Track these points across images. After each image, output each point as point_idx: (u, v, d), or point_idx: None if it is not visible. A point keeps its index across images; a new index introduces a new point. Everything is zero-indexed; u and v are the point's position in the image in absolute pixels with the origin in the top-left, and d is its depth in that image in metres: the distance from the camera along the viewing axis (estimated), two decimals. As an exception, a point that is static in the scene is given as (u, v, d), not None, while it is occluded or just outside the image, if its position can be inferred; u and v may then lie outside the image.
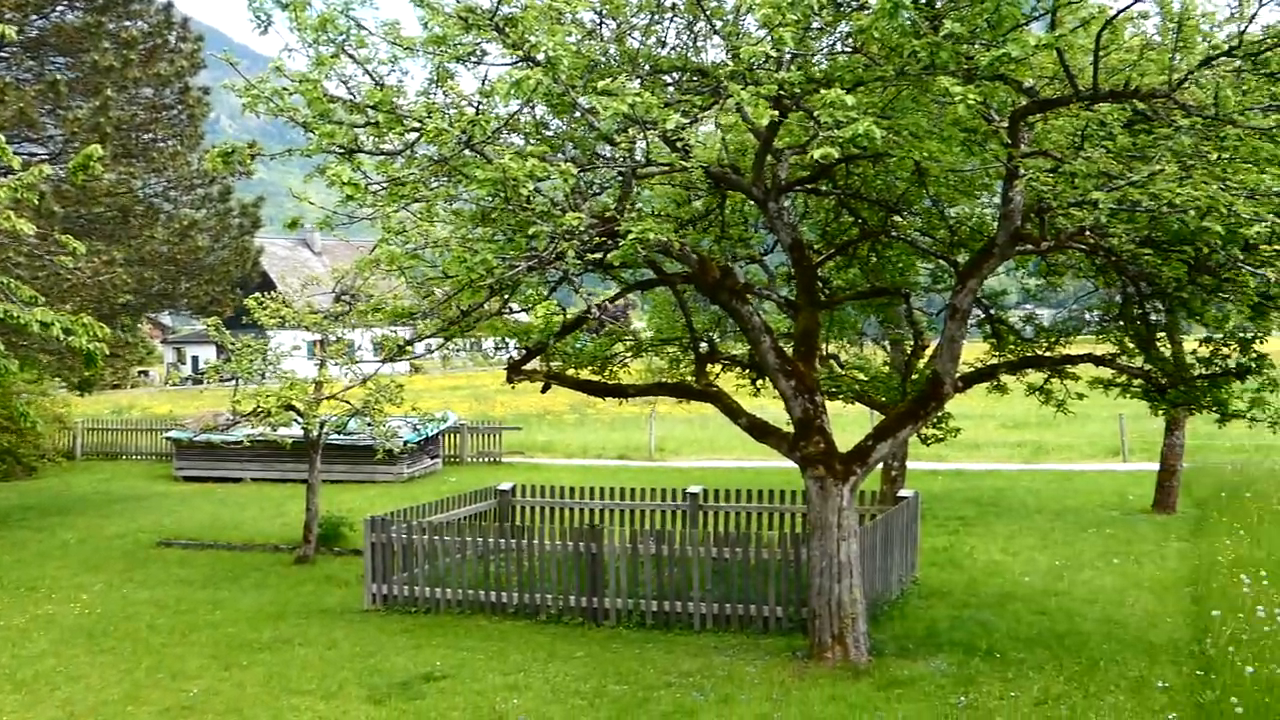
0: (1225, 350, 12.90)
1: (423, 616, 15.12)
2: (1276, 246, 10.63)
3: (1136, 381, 13.70)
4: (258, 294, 19.87)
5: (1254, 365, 12.40)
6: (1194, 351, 13.81)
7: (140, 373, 62.81)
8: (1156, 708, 11.07)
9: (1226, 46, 10.02)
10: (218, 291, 26.92)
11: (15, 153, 14.78)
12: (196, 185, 25.86)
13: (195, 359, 71.24)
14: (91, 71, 23.65)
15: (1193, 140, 10.52)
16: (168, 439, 31.84)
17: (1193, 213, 9.91)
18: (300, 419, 18.78)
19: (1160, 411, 15.79)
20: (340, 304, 17.90)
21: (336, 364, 19.32)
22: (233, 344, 19.40)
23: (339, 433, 20.48)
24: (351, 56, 10.47)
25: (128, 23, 24.38)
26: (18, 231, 14.86)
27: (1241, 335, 12.60)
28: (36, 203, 15.57)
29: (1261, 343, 12.77)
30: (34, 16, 23.80)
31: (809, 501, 12.97)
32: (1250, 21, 9.92)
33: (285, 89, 10.36)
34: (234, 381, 20.10)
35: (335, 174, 9.91)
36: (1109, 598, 15.71)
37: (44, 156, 22.74)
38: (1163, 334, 15.02)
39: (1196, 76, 10.21)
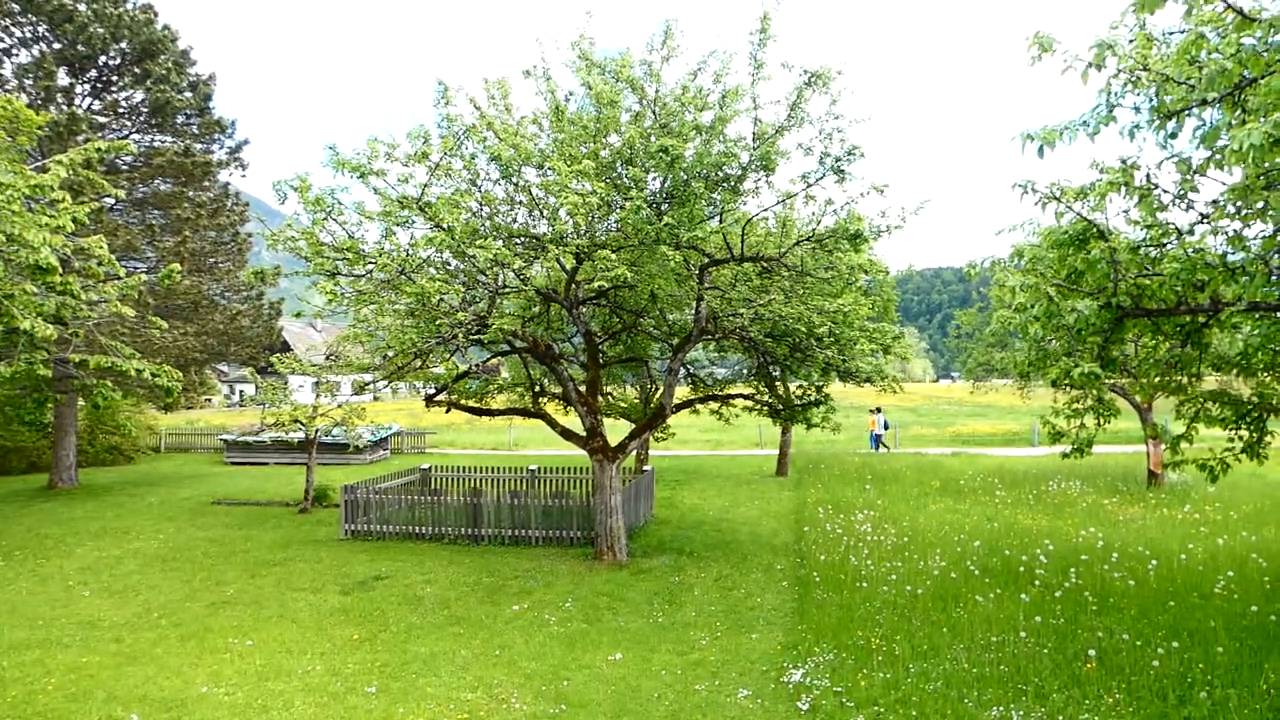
0: (809, 392, 13.61)
1: (375, 543, 14.41)
2: (831, 339, 11.35)
3: (765, 408, 14.28)
4: (279, 354, 18.87)
5: (823, 400, 13.08)
6: (793, 392, 14.53)
7: (205, 400, 58.00)
8: (778, 579, 11.48)
9: (805, 235, 10.69)
10: (255, 352, 25.32)
11: (123, 267, 13.67)
12: (242, 289, 24.37)
13: (241, 392, 66.35)
14: (176, 220, 22.12)
15: (791, 283, 11.16)
16: (221, 440, 29.56)
17: (791, 321, 10.51)
18: (303, 427, 17.94)
19: (778, 423, 16.48)
20: (329, 361, 17.20)
21: (325, 396, 18.51)
22: (262, 384, 18.41)
23: (328, 436, 19.48)
24: (334, 219, 10.15)
25: (202, 192, 22.93)
26: (122, 314, 13.80)
27: (816, 384, 13.29)
28: (136, 297, 14.51)
29: (825, 388, 13.47)
30: (140, 184, 22.16)
31: (594, 473, 13.03)
32: (819, 223, 10.62)
33: (293, 237, 9.97)
34: (263, 405, 18.90)
35: (323, 287, 9.58)
36: (753, 522, 16.13)
37: (142, 269, 21.12)
38: (779, 382, 15.74)
39: (793, 250, 10.84)
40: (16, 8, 20.04)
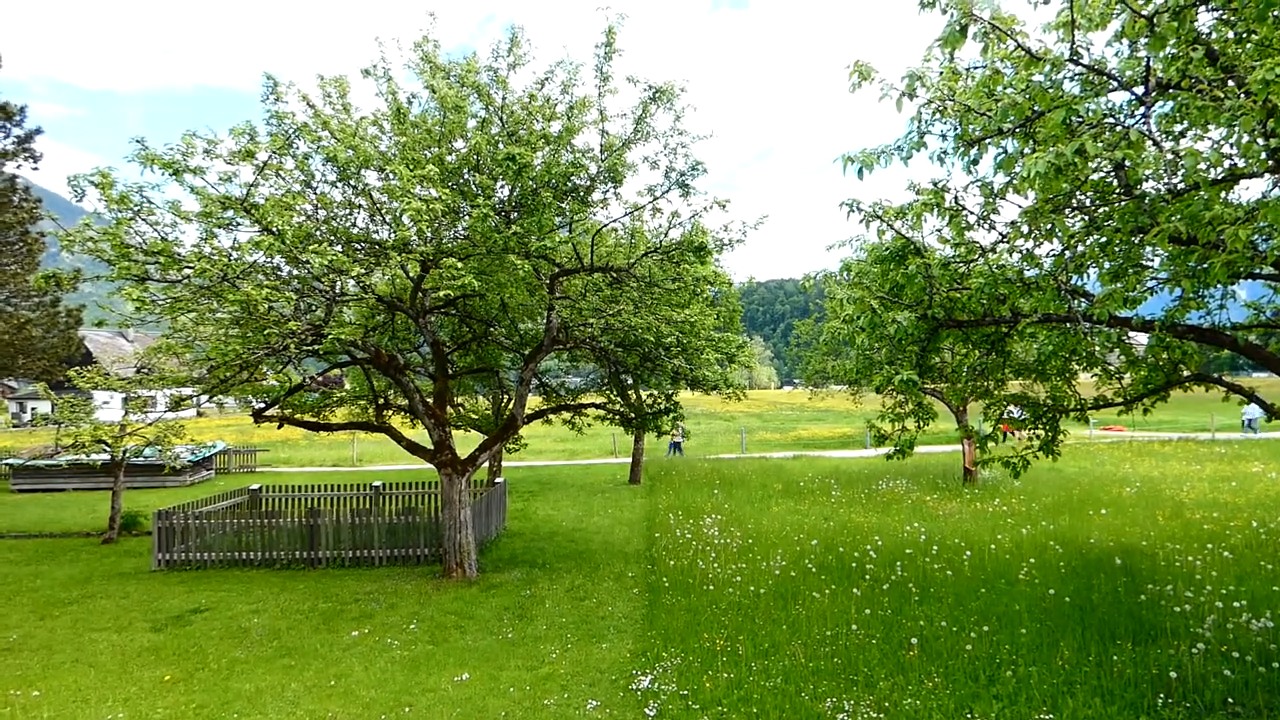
0: (659, 400, 13.80)
1: (194, 572, 13.13)
2: (679, 348, 11.57)
3: (617, 417, 14.33)
4: (78, 367, 16.83)
5: (672, 407, 13.29)
6: (644, 400, 14.69)
7: (-11, 419, 50.82)
8: (629, 586, 11.52)
9: (653, 247, 10.84)
10: (49, 365, 22.37)
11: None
12: (33, 296, 21.54)
13: (34, 409, 58.48)
14: (-51, 216, 19.26)
15: (640, 294, 11.27)
16: (5, 465, 25.88)
17: (641, 331, 10.61)
18: (108, 448, 16.05)
19: (630, 431, 16.62)
20: (139, 374, 15.50)
21: (134, 413, 16.66)
22: (57, 400, 16.31)
23: (138, 456, 17.54)
24: (144, 220, 9.16)
25: (-19, 186, 20.13)
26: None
27: (666, 392, 13.49)
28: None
29: (675, 396, 13.69)
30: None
31: (442, 487, 12.56)
32: (667, 235, 10.80)
33: (93, 237, 8.91)
34: (59, 425, 16.77)
35: (129, 293, 8.63)
36: (606, 530, 16.14)
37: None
38: (631, 390, 15.90)
39: (641, 261, 10.96)
40: None
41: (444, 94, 10.25)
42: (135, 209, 8.97)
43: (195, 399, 12.13)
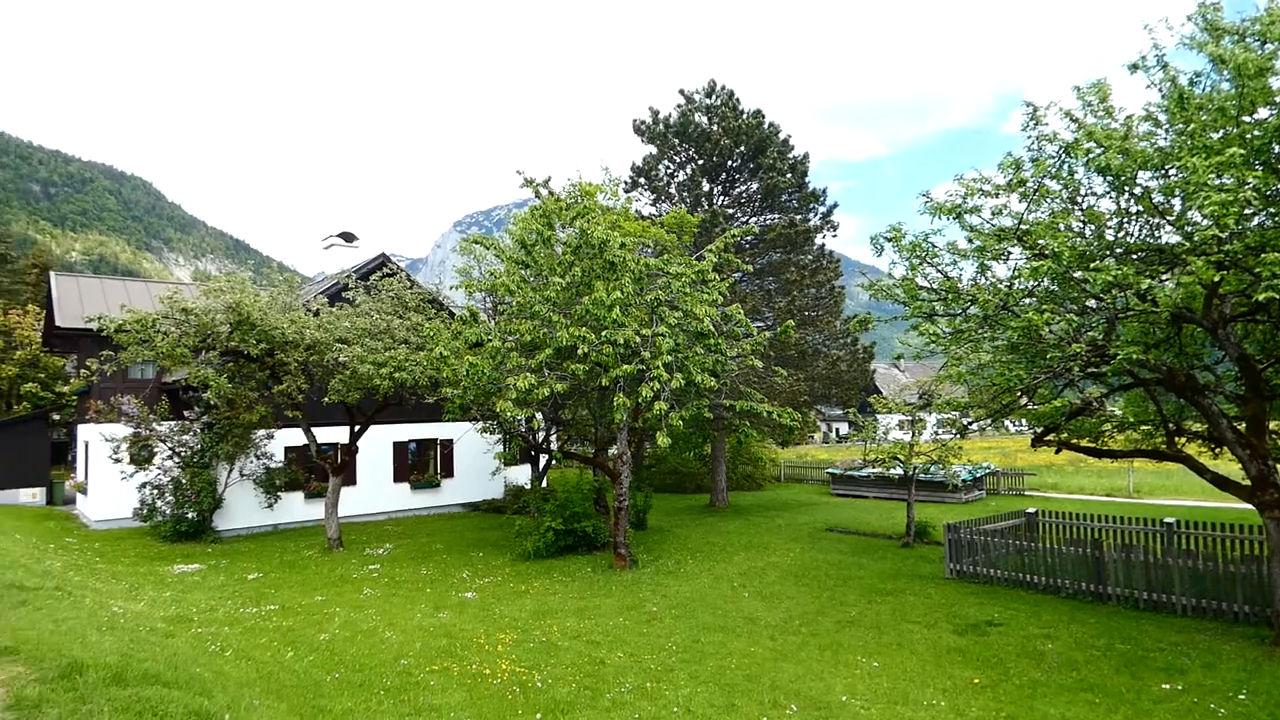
0: None
1: (981, 585, 13.89)
2: None
3: None
4: (873, 395, 19.99)
5: None
6: None
7: (810, 437, 64.76)
8: None
9: None
10: (851, 394, 27.28)
11: (752, 327, 16.42)
12: (839, 338, 26.65)
13: (837, 429, 72.03)
14: (785, 283, 25.52)
15: None
16: (827, 473, 32.37)
17: None
18: (901, 464, 18.51)
19: None
20: (920, 400, 17.48)
21: (922, 434, 18.78)
22: (863, 422, 19.68)
23: (924, 473, 19.67)
24: (929, 264, 10.40)
25: (802, 256, 26.08)
26: (754, 366, 16.49)
27: None
28: (762, 351, 17.17)
29: None
30: (758, 257, 26.29)
31: (1269, 534, 10.20)
32: None
33: (892, 285, 10.55)
34: (861, 442, 20.19)
35: (924, 330, 9.87)
36: None
37: (763, 327, 24.81)
38: None
39: None
40: (677, 142, 26.33)
41: (1240, 60, 8.56)
42: (923, 255, 10.27)
43: (972, 423, 12.97)
